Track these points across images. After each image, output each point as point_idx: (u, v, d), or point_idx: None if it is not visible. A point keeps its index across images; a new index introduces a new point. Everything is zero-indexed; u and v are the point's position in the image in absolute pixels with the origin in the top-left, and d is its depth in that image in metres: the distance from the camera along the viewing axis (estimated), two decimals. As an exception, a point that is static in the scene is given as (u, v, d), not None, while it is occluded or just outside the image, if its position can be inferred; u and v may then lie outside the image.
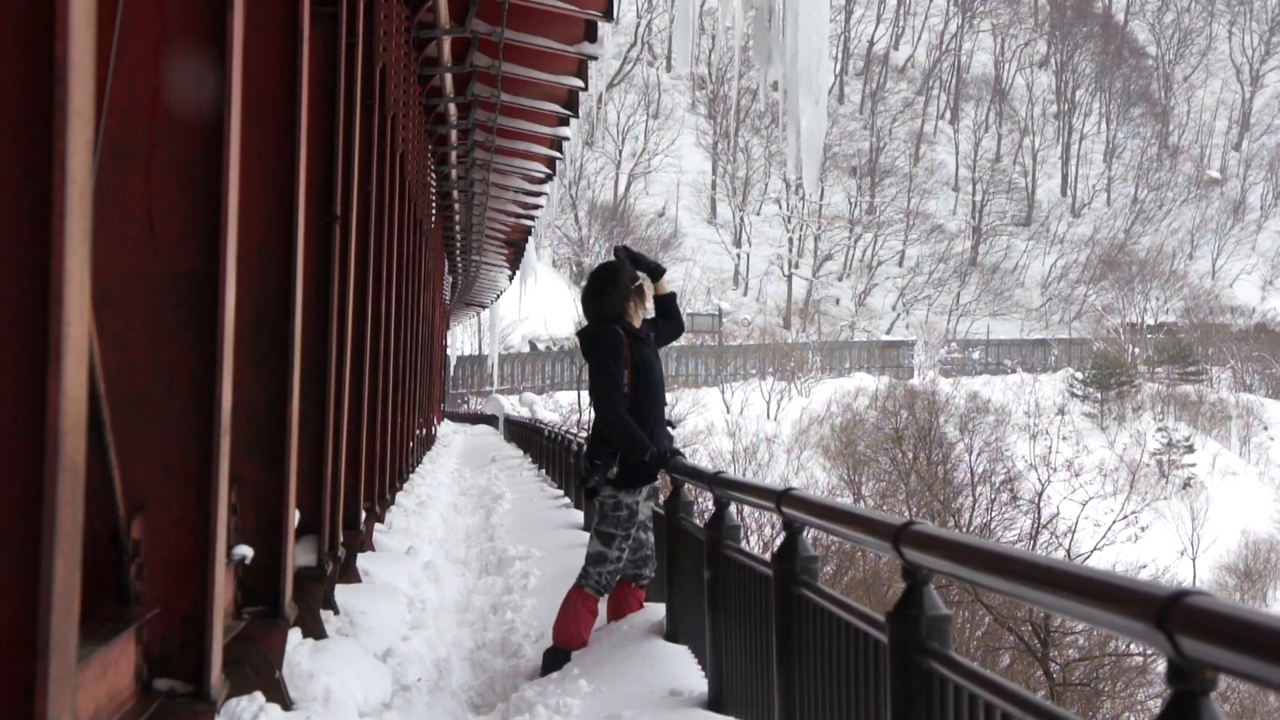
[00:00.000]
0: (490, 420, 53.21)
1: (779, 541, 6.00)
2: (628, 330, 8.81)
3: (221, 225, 4.51)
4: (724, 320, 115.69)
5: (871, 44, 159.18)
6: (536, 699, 7.88)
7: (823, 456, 68.84)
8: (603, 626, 9.20)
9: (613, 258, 9.21)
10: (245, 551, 5.73)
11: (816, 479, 59.43)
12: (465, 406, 74.91)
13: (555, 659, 8.81)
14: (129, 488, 4.22)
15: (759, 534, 33.95)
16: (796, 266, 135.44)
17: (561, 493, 20.24)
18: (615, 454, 8.76)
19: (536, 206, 30.00)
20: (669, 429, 9.15)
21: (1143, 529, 41.90)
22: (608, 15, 16.17)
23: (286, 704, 6.49)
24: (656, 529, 9.51)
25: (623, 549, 8.87)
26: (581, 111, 20.49)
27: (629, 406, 8.73)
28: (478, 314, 72.66)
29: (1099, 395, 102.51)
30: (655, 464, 8.72)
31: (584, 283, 9.34)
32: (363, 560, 10.95)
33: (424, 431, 28.35)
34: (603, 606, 9.30)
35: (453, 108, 19.98)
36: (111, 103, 4.29)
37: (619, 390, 8.71)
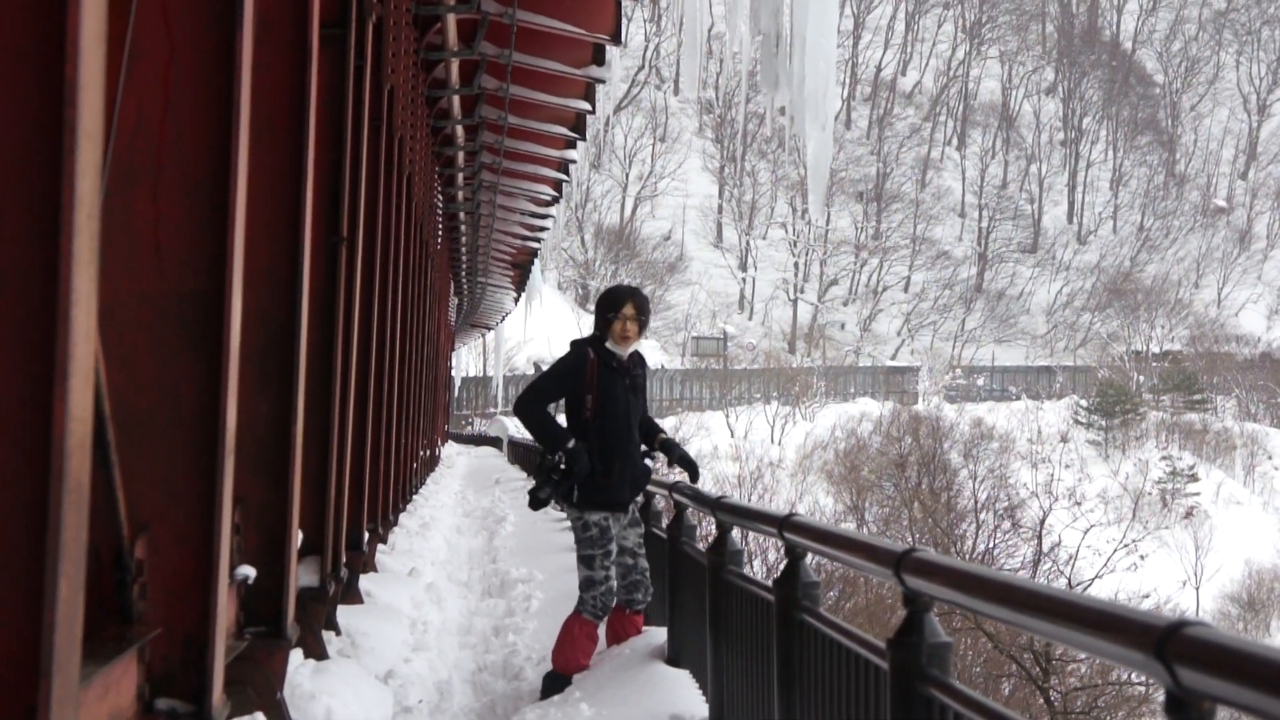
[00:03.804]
0: (494, 442, 53.16)
1: (781, 567, 6.01)
2: (601, 356, 8.89)
3: (228, 246, 4.52)
4: (729, 344, 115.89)
5: (879, 70, 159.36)
6: (537, 722, 7.88)
7: (826, 482, 68.90)
8: (603, 651, 9.21)
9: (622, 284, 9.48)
10: (248, 572, 5.73)
11: (820, 504, 59.44)
12: (469, 428, 74.87)
13: (554, 684, 8.83)
14: (133, 507, 4.23)
15: (762, 558, 33.93)
16: (802, 291, 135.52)
17: (565, 516, 20.22)
18: (569, 471, 8.80)
19: (543, 229, 30.03)
20: (649, 462, 9.22)
21: (1141, 558, 41.77)
22: (615, 39, 16.21)
23: (287, 724, 6.50)
24: (658, 553, 9.52)
25: (606, 567, 8.89)
26: (589, 134, 20.52)
27: (592, 433, 8.83)
28: (483, 335, 72.80)
29: (1103, 423, 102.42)
30: (569, 468, 8.74)
31: None
32: (365, 581, 10.96)
33: (428, 453, 28.34)
34: (602, 631, 9.32)
35: (460, 130, 20.02)
36: (120, 124, 4.31)
37: (540, 397, 8.92)
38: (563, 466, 8.78)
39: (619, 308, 8.91)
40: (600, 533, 8.87)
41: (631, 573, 9.10)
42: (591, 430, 8.81)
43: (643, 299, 9.09)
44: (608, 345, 8.91)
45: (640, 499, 9.46)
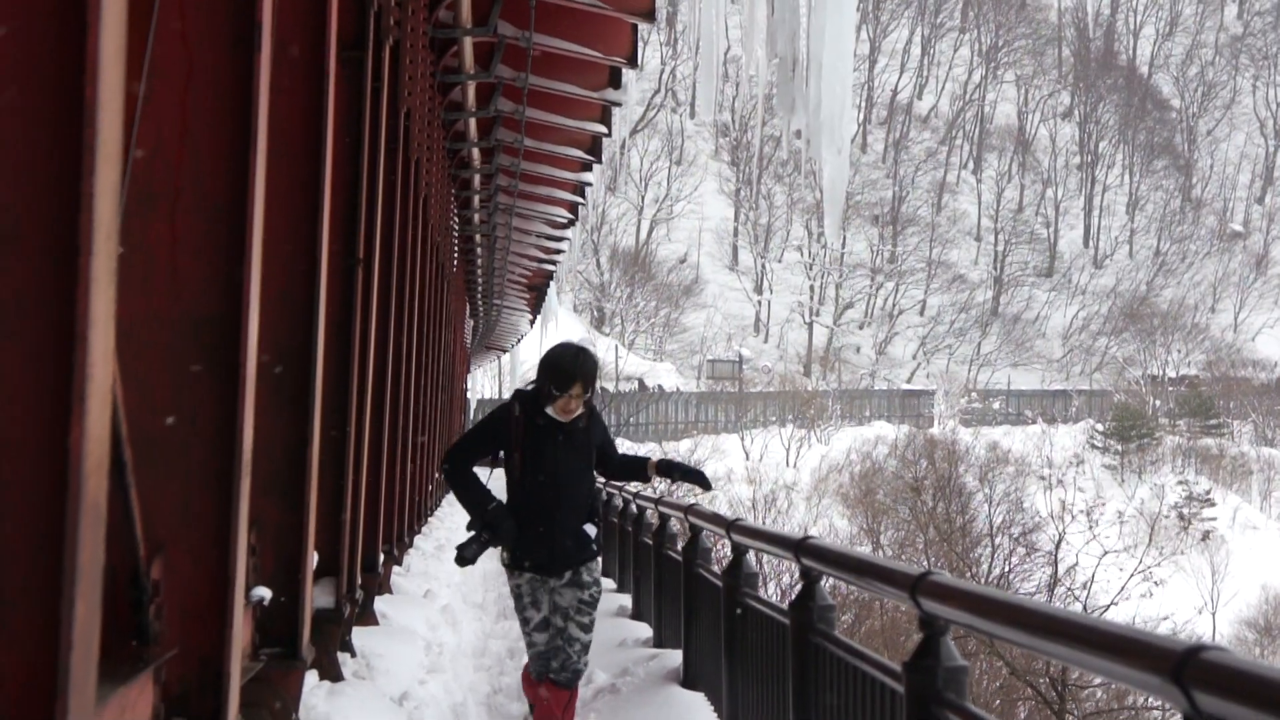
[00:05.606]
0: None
1: (796, 590, 6.01)
2: (529, 413, 8.36)
3: (245, 268, 4.53)
4: (744, 367, 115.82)
5: (895, 93, 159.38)
6: (552, 745, 7.86)
7: (842, 505, 68.73)
8: (621, 676, 9.20)
9: (582, 345, 8.77)
10: (264, 593, 5.73)
11: (836, 527, 59.30)
12: (485, 450, 74.77)
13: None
14: (149, 528, 4.22)
15: (777, 581, 33.86)
16: (817, 314, 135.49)
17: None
18: (493, 532, 8.31)
19: (558, 251, 30.06)
20: (588, 528, 8.43)
21: (1157, 583, 41.58)
22: (632, 62, 16.24)
23: (302, 746, 6.49)
24: (674, 576, 9.50)
25: (529, 633, 8.48)
26: (604, 157, 20.54)
27: (516, 490, 8.44)
28: (498, 358, 72.78)
29: (1119, 447, 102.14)
30: (492, 530, 8.24)
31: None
32: (380, 603, 10.95)
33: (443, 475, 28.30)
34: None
35: (476, 152, 20.05)
36: (138, 145, 4.32)
37: (464, 454, 8.53)
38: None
39: (565, 387, 8.19)
40: (518, 596, 8.42)
41: (556, 638, 8.40)
42: (516, 490, 8.43)
43: (589, 370, 8.33)
44: (547, 410, 8.29)
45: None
